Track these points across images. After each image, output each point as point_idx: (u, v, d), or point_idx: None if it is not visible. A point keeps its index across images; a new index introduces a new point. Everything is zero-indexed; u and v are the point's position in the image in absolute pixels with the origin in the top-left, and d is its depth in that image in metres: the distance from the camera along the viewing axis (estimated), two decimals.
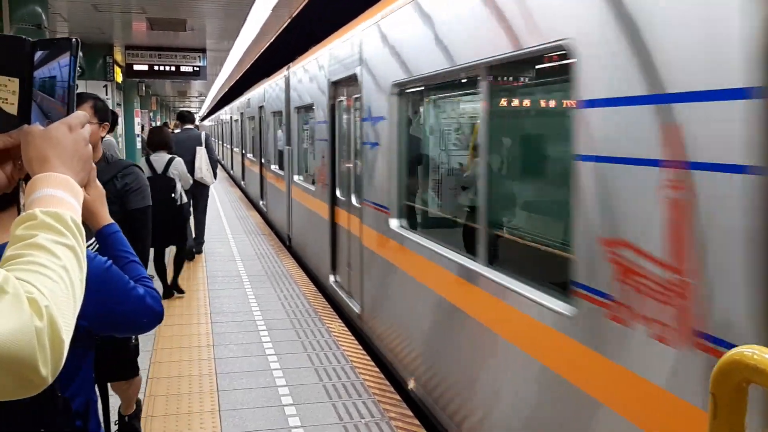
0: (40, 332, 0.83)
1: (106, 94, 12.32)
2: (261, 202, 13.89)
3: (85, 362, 1.57)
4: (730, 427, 1.15)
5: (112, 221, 1.68)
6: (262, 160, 13.29)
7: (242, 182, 18.46)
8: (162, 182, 6.48)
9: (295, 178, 9.45)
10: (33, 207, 0.99)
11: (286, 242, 10.44)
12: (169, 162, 6.71)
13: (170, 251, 7.42)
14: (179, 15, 9.76)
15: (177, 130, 10.04)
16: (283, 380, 4.77)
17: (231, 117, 23.24)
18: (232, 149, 23.60)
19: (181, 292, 7.17)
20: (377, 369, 5.05)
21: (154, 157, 6.79)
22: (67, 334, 0.89)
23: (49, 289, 0.88)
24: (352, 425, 4.06)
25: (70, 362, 1.47)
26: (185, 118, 9.88)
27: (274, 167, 11.72)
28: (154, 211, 6.55)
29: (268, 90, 12.17)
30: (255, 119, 14.40)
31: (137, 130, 15.44)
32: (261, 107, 13.22)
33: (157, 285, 5.98)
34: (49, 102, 1.13)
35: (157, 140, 6.99)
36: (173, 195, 6.58)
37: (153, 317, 1.62)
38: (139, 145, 15.31)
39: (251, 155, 15.89)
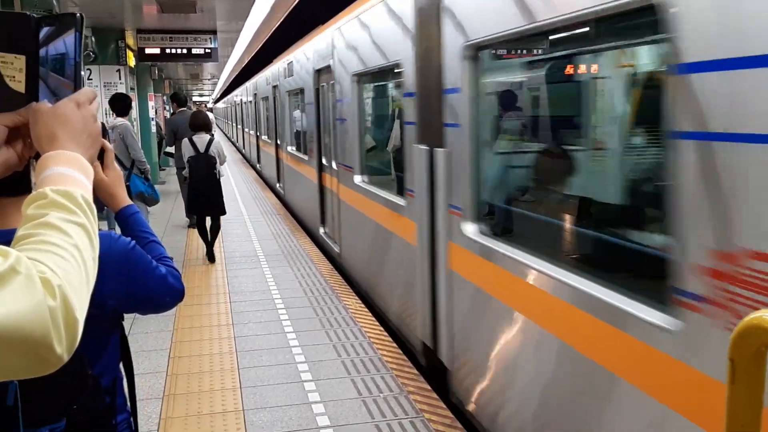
0: (53, 311, 0.84)
1: (120, 79, 12.35)
2: (322, 230, 8.64)
3: (111, 340, 1.60)
4: (749, 393, 1.14)
5: (131, 202, 1.70)
6: (325, 162, 8.16)
7: (278, 185, 13.35)
8: (205, 160, 7.54)
9: (470, 232, 3.78)
10: (43, 186, 0.99)
11: (417, 356, 4.87)
12: (210, 141, 7.65)
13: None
14: None
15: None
16: (302, 357, 4.82)
17: (255, 95, 17.43)
18: (258, 138, 17.71)
19: (212, 258, 7.82)
20: (395, 344, 5.08)
21: (196, 138, 7.67)
22: (81, 313, 0.89)
23: (62, 268, 0.88)
24: (371, 400, 4.10)
25: (97, 340, 1.51)
26: (180, 100, 10.45)
27: (362, 181, 6.26)
28: (198, 186, 7.50)
29: (348, 35, 6.42)
30: (305, 94, 9.19)
31: (151, 113, 15.47)
32: (321, 70, 7.94)
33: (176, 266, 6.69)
34: (56, 79, 1.13)
35: (198, 122, 7.84)
36: (215, 171, 7.58)
37: (175, 296, 1.65)
38: (153, 129, 15.35)
39: (293, 149, 11.05)
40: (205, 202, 7.66)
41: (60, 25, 1.12)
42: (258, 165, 18.36)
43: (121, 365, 1.68)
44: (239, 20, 12.53)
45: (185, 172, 7.84)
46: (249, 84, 20.42)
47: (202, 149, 7.59)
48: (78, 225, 0.96)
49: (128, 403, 1.69)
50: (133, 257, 1.56)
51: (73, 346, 0.88)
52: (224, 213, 7.89)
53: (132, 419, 1.70)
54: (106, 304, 1.49)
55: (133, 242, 1.58)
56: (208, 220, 8.00)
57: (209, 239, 7.88)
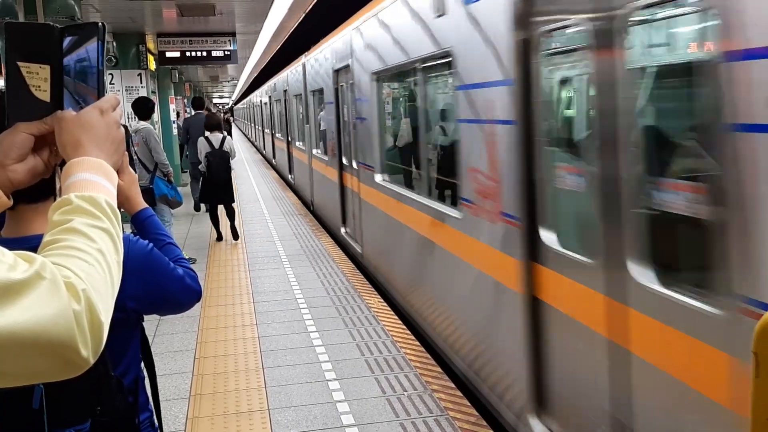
0: (78, 315, 0.85)
1: (141, 83, 12.49)
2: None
3: (133, 341, 1.63)
4: None
5: (147, 206, 1.72)
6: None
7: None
8: (219, 154, 8.68)
9: None
10: (68, 192, 1.01)
11: None
12: (223, 139, 8.83)
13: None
14: (208, 0, 9.80)
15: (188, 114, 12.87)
16: (326, 356, 4.84)
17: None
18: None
19: (237, 237, 9.16)
20: (418, 342, 5.09)
21: (210, 136, 8.84)
22: (105, 316, 0.90)
23: (86, 272, 0.89)
24: (395, 398, 4.11)
25: (119, 342, 1.53)
26: (195, 104, 12.73)
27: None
28: (214, 177, 8.76)
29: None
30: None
31: (173, 116, 15.62)
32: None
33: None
34: (80, 87, 1.14)
35: (212, 123, 9.15)
36: (229, 164, 8.74)
37: (192, 296, 1.67)
38: (175, 132, 15.51)
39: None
40: (220, 192, 8.80)
41: (83, 34, 1.14)
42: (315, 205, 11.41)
43: (142, 364, 1.70)
44: (258, 22, 12.61)
45: (201, 167, 8.83)
46: (283, 75, 14.55)
47: (217, 145, 8.76)
48: (102, 230, 0.97)
49: (150, 402, 1.71)
50: (151, 259, 1.58)
51: (99, 348, 0.89)
52: (234, 201, 9.13)
53: (156, 418, 1.72)
54: (126, 307, 1.51)
55: (151, 245, 1.60)
56: (221, 209, 9.18)
57: (230, 222, 9.08)
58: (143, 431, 1.64)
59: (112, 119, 1.13)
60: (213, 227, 9.24)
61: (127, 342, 1.61)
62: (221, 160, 8.70)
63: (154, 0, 9.57)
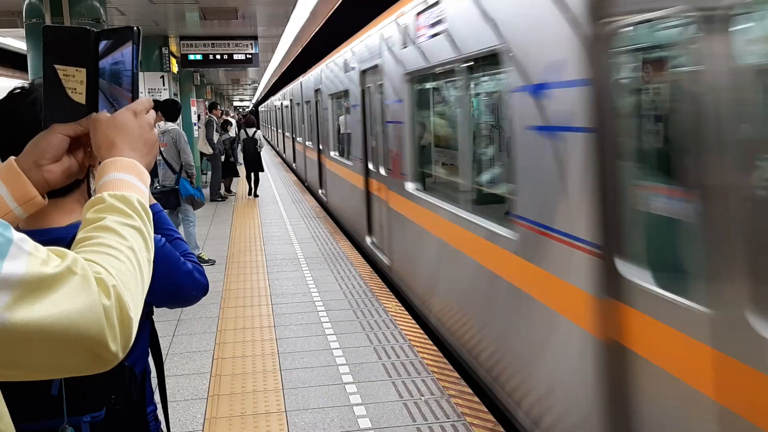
0: (108, 310, 0.87)
1: (163, 85, 12.63)
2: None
3: (143, 333, 1.66)
4: None
5: (155, 202, 1.75)
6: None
7: None
8: (251, 141, 13.93)
9: None
10: (102, 191, 1.04)
11: None
12: (254, 132, 14.03)
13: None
14: (230, 4, 9.90)
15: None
16: (343, 359, 4.85)
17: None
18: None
19: (257, 196, 14.22)
20: (435, 347, 5.08)
21: (247, 129, 14.07)
22: (135, 312, 0.92)
23: (116, 269, 0.92)
24: (413, 402, 4.10)
25: None
26: (209, 107, 15.39)
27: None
28: (248, 155, 14.67)
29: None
30: None
31: (194, 119, 15.75)
32: None
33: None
34: (114, 90, 1.17)
35: (248, 121, 14.40)
36: (257, 146, 13.93)
37: (201, 290, 1.71)
38: (196, 134, 15.65)
39: None
40: (252, 163, 14.14)
41: (118, 38, 1.16)
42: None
43: (149, 358, 1.73)
44: (280, 26, 12.71)
45: (239, 149, 14.45)
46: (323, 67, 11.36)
47: (250, 135, 13.87)
48: (134, 228, 1.00)
49: (156, 395, 1.74)
50: (164, 254, 1.61)
51: (128, 344, 0.91)
52: (263, 170, 14.49)
53: (163, 410, 1.75)
54: None
55: (164, 239, 1.63)
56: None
57: (254, 185, 14.30)
58: (149, 423, 1.67)
59: (146, 121, 1.16)
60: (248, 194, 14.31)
61: (138, 334, 1.63)
62: (253, 143, 14.05)
63: (177, 3, 9.69)
